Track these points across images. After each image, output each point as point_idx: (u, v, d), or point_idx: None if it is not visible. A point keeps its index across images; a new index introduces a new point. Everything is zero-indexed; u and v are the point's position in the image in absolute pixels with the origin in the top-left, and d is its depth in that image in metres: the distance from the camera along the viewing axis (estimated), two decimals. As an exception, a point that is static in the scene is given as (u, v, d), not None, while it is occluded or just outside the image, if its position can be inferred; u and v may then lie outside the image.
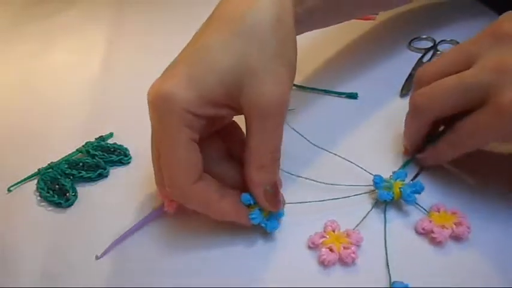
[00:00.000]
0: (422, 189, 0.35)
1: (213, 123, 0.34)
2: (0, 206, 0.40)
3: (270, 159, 0.32)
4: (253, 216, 0.33)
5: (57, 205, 0.39)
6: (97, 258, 0.34)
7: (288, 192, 0.36)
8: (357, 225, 0.35)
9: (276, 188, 0.33)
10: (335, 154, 0.40)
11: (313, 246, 0.34)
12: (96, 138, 0.45)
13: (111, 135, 0.46)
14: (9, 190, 0.41)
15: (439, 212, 0.35)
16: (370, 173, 0.37)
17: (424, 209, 0.35)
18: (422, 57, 0.49)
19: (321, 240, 0.34)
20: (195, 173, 0.32)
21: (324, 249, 0.33)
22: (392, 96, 0.46)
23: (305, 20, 0.38)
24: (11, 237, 0.37)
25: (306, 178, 0.38)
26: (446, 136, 0.36)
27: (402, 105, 0.44)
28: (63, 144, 0.44)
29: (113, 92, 0.51)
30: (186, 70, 0.31)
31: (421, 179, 0.38)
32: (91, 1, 0.68)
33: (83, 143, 0.44)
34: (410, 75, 0.47)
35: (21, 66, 0.57)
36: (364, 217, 0.35)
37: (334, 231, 0.34)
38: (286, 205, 0.35)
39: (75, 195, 0.40)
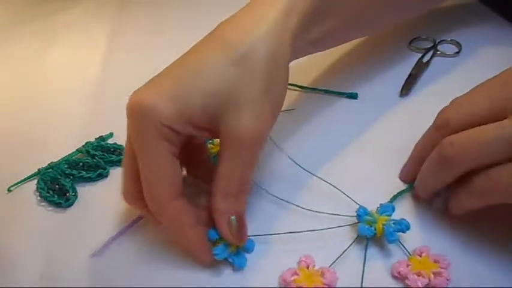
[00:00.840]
0: (407, 228, 0.33)
1: (189, 141, 0.34)
2: (0, 206, 0.40)
3: (237, 190, 0.32)
4: (216, 251, 0.32)
5: (57, 205, 0.39)
6: (91, 256, 0.34)
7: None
8: (333, 262, 0.33)
9: (241, 220, 0.33)
10: (322, 179, 0.38)
11: (284, 284, 0.32)
12: (96, 138, 0.45)
13: (111, 135, 0.46)
14: (9, 190, 0.41)
15: (420, 256, 0.32)
16: (357, 203, 0.35)
17: (407, 250, 0.33)
18: (422, 57, 0.49)
19: (292, 278, 0.31)
20: (176, 189, 0.32)
21: None
22: (392, 96, 0.46)
23: (321, 42, 0.38)
24: (11, 237, 0.37)
25: (287, 201, 0.37)
26: (474, 184, 0.31)
27: (402, 105, 0.45)
28: (63, 144, 0.44)
29: (113, 92, 0.51)
30: (171, 84, 0.31)
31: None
32: (91, 1, 0.68)
33: (83, 143, 0.44)
34: (410, 75, 0.47)
35: (22, 65, 0.57)
36: (341, 254, 0.33)
37: (308, 267, 0.32)
38: (260, 233, 0.34)
39: (75, 195, 0.40)
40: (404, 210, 0.36)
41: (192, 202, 0.33)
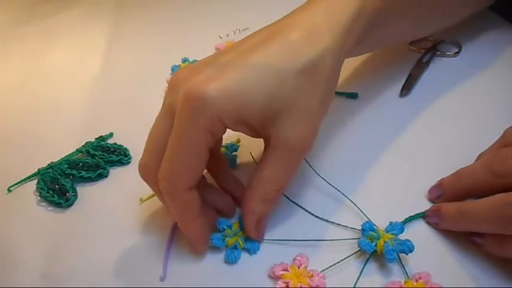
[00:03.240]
0: (410, 250, 0.31)
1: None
2: (0, 206, 0.40)
3: (276, 194, 0.33)
4: (214, 238, 0.33)
5: (57, 205, 0.39)
6: (161, 279, 0.33)
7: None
8: (326, 268, 0.32)
9: (265, 219, 0.34)
10: (337, 189, 0.37)
11: (273, 277, 0.32)
12: (96, 138, 0.45)
13: (111, 135, 0.46)
14: (9, 190, 0.41)
15: (417, 281, 0.31)
16: (366, 216, 0.35)
17: (406, 272, 0.32)
18: (422, 57, 0.49)
19: (281, 273, 0.32)
20: (194, 182, 0.32)
21: (280, 282, 0.32)
22: (393, 96, 0.46)
23: (369, 45, 0.39)
24: (11, 237, 0.37)
25: (297, 204, 0.37)
26: None
27: (402, 105, 0.45)
28: (63, 144, 0.44)
29: (113, 92, 0.51)
30: (235, 80, 0.30)
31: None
32: (91, 1, 0.68)
33: (83, 143, 0.44)
34: (410, 75, 0.47)
35: (22, 65, 0.57)
36: (336, 263, 0.33)
37: (299, 267, 0.32)
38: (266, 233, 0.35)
39: (75, 195, 0.40)
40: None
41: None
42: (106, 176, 0.42)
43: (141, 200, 0.38)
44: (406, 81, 0.47)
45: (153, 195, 0.38)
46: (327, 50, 0.32)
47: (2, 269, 0.35)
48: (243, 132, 0.33)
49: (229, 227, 0.35)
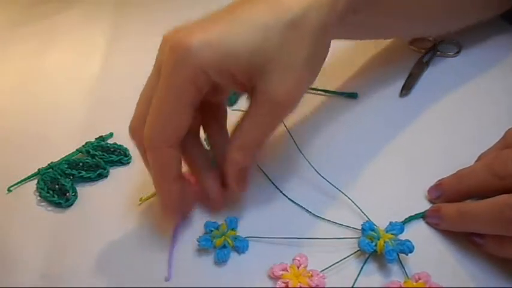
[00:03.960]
0: (410, 250, 0.31)
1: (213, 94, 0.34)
2: (0, 206, 0.40)
3: (255, 144, 0.33)
4: (201, 240, 0.34)
5: (57, 205, 0.39)
6: (166, 280, 0.33)
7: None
8: (326, 268, 0.32)
9: (247, 171, 0.34)
10: (338, 189, 0.37)
11: (273, 277, 0.32)
12: (96, 138, 0.45)
13: (111, 135, 0.46)
14: (9, 190, 0.41)
15: (416, 282, 0.31)
16: (366, 215, 0.35)
17: (405, 272, 0.32)
18: (422, 57, 0.49)
19: (281, 273, 0.32)
20: (177, 137, 0.32)
21: (279, 282, 0.32)
22: (393, 96, 0.46)
23: (364, 27, 0.38)
24: (11, 237, 0.37)
25: (296, 203, 0.37)
26: None
27: (402, 105, 0.45)
28: (63, 144, 0.44)
29: (113, 92, 0.51)
30: (220, 32, 0.30)
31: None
32: (91, 1, 0.68)
33: (83, 143, 0.44)
34: (410, 75, 0.47)
35: (22, 66, 0.57)
36: (336, 262, 0.33)
37: (299, 267, 0.32)
38: (264, 230, 0.35)
39: (75, 195, 0.40)
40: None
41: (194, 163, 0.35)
42: (106, 176, 0.42)
43: (141, 200, 0.38)
44: (406, 81, 0.47)
45: (153, 195, 0.38)
46: (314, 5, 0.31)
47: (2, 269, 0.35)
48: (229, 86, 0.33)
49: (217, 228, 0.35)
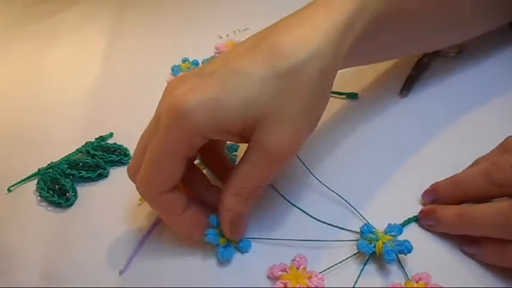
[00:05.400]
0: (408, 250, 0.31)
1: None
2: (0, 206, 0.40)
3: (250, 192, 0.32)
4: (208, 234, 0.33)
5: (57, 205, 0.39)
6: (120, 273, 0.34)
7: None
8: (325, 270, 0.32)
9: (242, 220, 0.33)
10: (336, 193, 0.37)
11: (272, 277, 0.32)
12: (96, 138, 0.45)
13: (111, 135, 0.46)
14: (9, 190, 0.41)
15: (417, 282, 0.31)
16: (364, 218, 0.35)
17: (406, 273, 0.32)
18: (422, 57, 0.49)
19: (280, 273, 0.32)
20: (169, 187, 0.32)
21: (278, 283, 0.32)
22: (393, 96, 0.46)
23: (372, 56, 0.37)
24: (11, 237, 0.37)
25: (296, 206, 0.37)
26: None
27: (402, 105, 0.45)
28: (63, 144, 0.44)
29: (113, 92, 0.51)
30: (214, 89, 0.30)
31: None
32: (91, 1, 0.68)
33: (83, 143, 0.44)
34: (410, 75, 0.47)
35: (21, 65, 0.57)
36: (335, 264, 0.33)
37: (298, 268, 0.32)
38: (263, 231, 0.35)
39: (75, 195, 0.40)
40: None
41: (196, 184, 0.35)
42: (106, 176, 0.42)
43: (141, 200, 0.38)
44: (406, 81, 0.47)
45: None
46: (315, 52, 0.30)
47: (2, 268, 0.35)
48: (225, 139, 0.32)
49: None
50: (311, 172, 0.38)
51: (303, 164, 0.39)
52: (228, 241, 0.34)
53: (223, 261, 0.34)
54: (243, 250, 0.34)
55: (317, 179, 0.38)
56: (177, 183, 0.32)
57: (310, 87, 0.30)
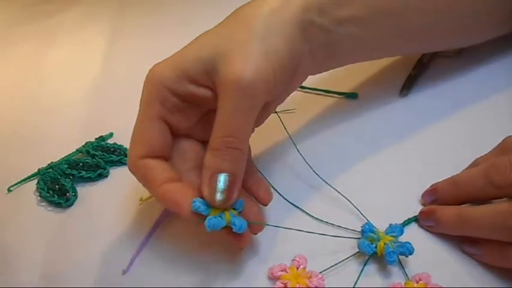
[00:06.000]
0: (410, 252, 0.32)
1: (195, 109, 0.34)
2: (0, 206, 0.40)
3: (222, 142, 0.30)
4: (195, 200, 0.30)
5: (57, 205, 0.39)
6: (124, 273, 0.34)
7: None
8: (325, 269, 0.32)
9: (233, 181, 0.30)
10: (336, 190, 0.37)
11: (272, 277, 0.32)
12: (96, 138, 0.45)
13: (111, 135, 0.46)
14: (9, 190, 0.41)
15: (417, 283, 0.31)
16: (365, 217, 0.35)
17: (406, 273, 0.32)
18: (422, 57, 0.49)
19: (280, 273, 0.32)
20: (146, 149, 0.32)
21: (278, 283, 0.32)
22: (393, 96, 0.46)
23: (350, 31, 0.36)
24: (11, 237, 0.37)
25: (294, 205, 0.37)
26: None
27: (402, 105, 0.45)
28: (63, 144, 0.44)
29: (113, 92, 0.51)
30: (180, 52, 0.33)
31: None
32: (91, 1, 0.68)
33: (83, 143, 0.44)
34: (410, 75, 0.47)
35: (21, 65, 0.57)
36: (335, 264, 0.33)
37: (298, 268, 0.32)
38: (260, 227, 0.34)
39: (75, 195, 0.40)
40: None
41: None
42: (106, 176, 0.42)
43: (141, 200, 0.38)
44: (406, 81, 0.47)
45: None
46: (267, 3, 0.33)
47: (2, 269, 0.35)
48: (197, 94, 0.32)
49: None
50: (313, 170, 0.38)
51: (305, 161, 0.39)
52: (221, 214, 0.30)
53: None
54: (236, 228, 0.30)
55: (318, 175, 0.38)
56: (153, 146, 0.32)
57: (260, 24, 0.32)
